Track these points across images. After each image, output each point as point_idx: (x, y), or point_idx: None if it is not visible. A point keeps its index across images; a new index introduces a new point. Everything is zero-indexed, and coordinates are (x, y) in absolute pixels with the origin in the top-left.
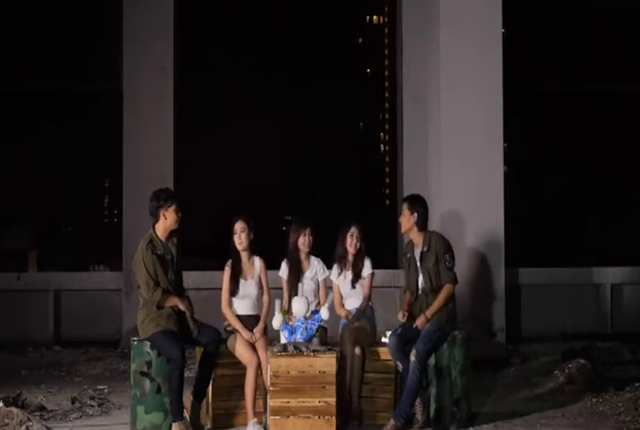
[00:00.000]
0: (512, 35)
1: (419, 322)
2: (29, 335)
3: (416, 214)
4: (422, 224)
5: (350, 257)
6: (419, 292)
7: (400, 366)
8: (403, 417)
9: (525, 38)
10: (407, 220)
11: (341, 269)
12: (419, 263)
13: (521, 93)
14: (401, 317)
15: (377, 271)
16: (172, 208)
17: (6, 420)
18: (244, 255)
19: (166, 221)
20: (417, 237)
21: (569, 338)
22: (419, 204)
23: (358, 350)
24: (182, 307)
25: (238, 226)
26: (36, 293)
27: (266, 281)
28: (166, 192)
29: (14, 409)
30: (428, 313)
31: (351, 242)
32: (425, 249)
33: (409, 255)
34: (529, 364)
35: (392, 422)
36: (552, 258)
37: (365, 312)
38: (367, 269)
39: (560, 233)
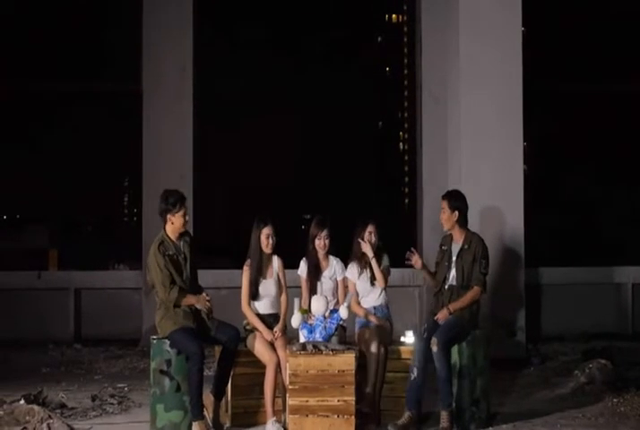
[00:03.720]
0: (532, 33)
1: (441, 314)
2: (49, 333)
3: (457, 212)
4: (464, 221)
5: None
6: (446, 287)
7: (413, 374)
8: (450, 405)
9: (546, 36)
10: (448, 218)
11: (361, 268)
12: (454, 258)
13: (541, 91)
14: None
15: (396, 270)
16: (179, 213)
17: (28, 417)
18: (265, 255)
19: (173, 225)
20: (458, 234)
21: (590, 337)
22: (459, 201)
23: (382, 350)
24: (199, 306)
25: (268, 230)
26: (56, 291)
27: (284, 280)
28: (174, 195)
29: (35, 407)
30: (451, 306)
31: (370, 240)
32: (465, 246)
33: (445, 248)
34: (549, 363)
35: (444, 413)
36: (573, 257)
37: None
38: (384, 262)
39: (581, 232)
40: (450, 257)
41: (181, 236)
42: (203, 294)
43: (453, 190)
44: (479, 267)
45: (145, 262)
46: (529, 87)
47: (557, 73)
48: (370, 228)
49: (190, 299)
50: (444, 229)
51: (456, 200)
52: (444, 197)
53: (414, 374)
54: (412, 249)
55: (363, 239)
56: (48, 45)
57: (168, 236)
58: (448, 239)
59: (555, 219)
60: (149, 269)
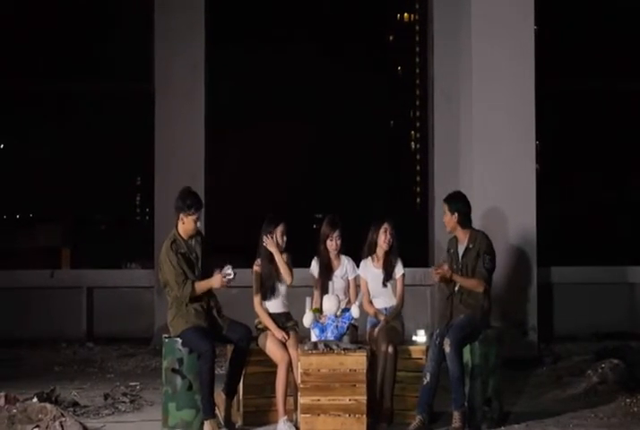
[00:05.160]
0: (544, 31)
1: (441, 268)
2: (62, 332)
3: (456, 214)
4: (465, 221)
5: (382, 254)
6: (456, 289)
7: (426, 379)
8: (463, 405)
9: (558, 35)
10: (449, 220)
11: (373, 267)
12: (460, 259)
13: (553, 90)
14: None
15: (408, 270)
16: (192, 217)
17: (40, 415)
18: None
19: (184, 225)
20: (462, 235)
21: (602, 337)
22: (458, 203)
23: (391, 349)
24: (216, 285)
25: (282, 228)
26: (69, 290)
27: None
28: (192, 198)
29: (48, 405)
30: (454, 275)
31: (385, 238)
32: (470, 246)
33: (452, 251)
34: (561, 363)
35: (456, 413)
36: (585, 257)
37: (399, 312)
38: (399, 269)
39: (593, 231)
40: (458, 260)
41: (193, 235)
42: (217, 274)
43: (453, 192)
44: (482, 262)
45: (157, 260)
46: (541, 85)
47: (570, 71)
48: (386, 226)
49: (205, 284)
50: (447, 231)
51: (456, 202)
52: (444, 201)
53: (427, 378)
54: (442, 262)
55: (378, 237)
56: (60, 45)
57: (179, 234)
58: (454, 242)
59: (567, 217)
60: (161, 267)
